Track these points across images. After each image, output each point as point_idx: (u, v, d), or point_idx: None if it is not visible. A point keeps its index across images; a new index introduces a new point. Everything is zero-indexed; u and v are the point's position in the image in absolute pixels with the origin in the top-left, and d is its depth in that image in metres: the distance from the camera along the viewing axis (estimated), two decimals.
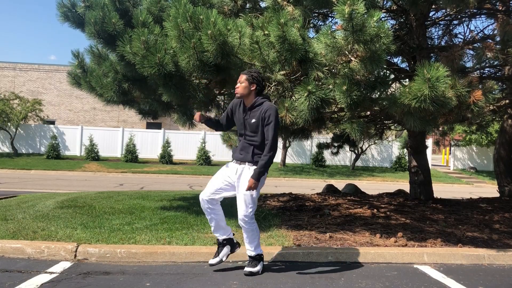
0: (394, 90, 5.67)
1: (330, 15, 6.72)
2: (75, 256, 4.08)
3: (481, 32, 6.78)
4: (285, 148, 22.56)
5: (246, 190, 3.54)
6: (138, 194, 8.78)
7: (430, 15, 6.68)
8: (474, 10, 6.17)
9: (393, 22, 7.22)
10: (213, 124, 3.89)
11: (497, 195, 8.76)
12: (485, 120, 9.58)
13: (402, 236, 4.94)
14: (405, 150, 20.79)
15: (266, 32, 4.14)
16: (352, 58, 4.10)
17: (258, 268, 3.74)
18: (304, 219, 5.77)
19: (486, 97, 4.44)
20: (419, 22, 6.22)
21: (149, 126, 27.27)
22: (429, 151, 21.58)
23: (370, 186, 15.79)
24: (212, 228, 3.78)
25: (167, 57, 4.46)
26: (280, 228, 5.21)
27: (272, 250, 4.25)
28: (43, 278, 3.51)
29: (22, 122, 22.48)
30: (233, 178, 3.67)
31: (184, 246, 4.34)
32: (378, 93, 4.75)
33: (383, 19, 6.04)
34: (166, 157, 21.86)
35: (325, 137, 16.92)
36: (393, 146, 24.06)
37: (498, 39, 5.35)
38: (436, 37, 7.60)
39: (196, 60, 4.33)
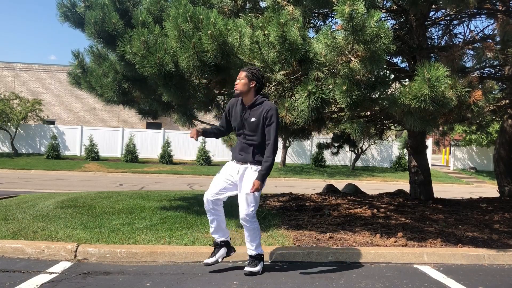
0: (394, 90, 5.67)
1: (330, 15, 6.72)
2: (75, 256, 4.08)
3: (481, 32, 6.79)
4: (285, 148, 22.55)
5: (252, 192, 3.53)
6: (138, 194, 8.78)
7: (430, 15, 6.68)
8: (474, 10, 6.17)
9: (393, 22, 7.22)
10: (213, 134, 3.88)
11: (497, 195, 8.77)
12: (485, 120, 9.57)
13: (402, 236, 4.94)
14: (405, 150, 20.79)
15: (266, 32, 4.14)
16: (352, 58, 4.10)
17: (258, 268, 3.74)
18: (304, 219, 5.77)
19: (486, 97, 4.44)
20: (419, 22, 6.22)
21: (149, 126, 27.27)
22: (429, 151, 21.57)
23: (370, 186, 15.79)
24: (212, 229, 3.78)
25: (167, 57, 4.47)
26: (280, 228, 5.21)
27: (272, 250, 4.25)
28: (43, 278, 3.51)
29: (22, 122, 22.48)
30: (235, 177, 3.67)
31: (184, 246, 4.34)
32: (378, 93, 4.75)
33: (383, 19, 6.04)
34: (166, 157, 21.86)
35: (325, 137, 16.90)
36: (393, 146, 24.06)
37: (498, 39, 5.35)
38: (436, 37, 7.60)
39: (196, 60, 4.33)
